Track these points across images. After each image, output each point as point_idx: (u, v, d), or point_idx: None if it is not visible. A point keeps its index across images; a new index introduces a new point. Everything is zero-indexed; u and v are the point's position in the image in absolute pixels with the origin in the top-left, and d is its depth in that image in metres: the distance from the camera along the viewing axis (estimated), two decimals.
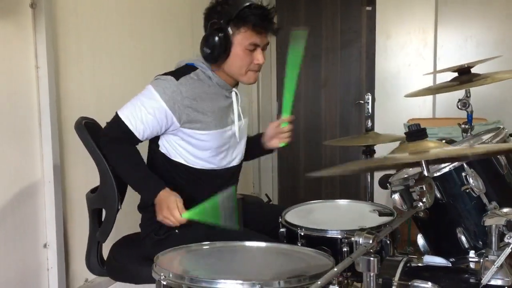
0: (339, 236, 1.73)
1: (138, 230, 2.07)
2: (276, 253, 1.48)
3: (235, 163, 1.94)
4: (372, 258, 1.00)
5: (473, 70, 1.95)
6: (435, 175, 1.52)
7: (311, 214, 1.99)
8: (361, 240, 1.00)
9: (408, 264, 1.50)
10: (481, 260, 1.43)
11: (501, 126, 1.68)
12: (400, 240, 1.94)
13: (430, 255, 1.63)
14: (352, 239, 1.04)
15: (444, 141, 3.58)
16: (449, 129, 3.77)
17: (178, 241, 1.72)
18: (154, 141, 1.87)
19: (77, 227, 2.37)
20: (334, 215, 1.99)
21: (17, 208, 2.12)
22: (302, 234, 1.75)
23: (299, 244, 1.72)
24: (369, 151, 2.43)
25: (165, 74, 1.82)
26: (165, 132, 1.80)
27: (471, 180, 1.46)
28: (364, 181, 4.44)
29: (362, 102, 4.30)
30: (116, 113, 1.78)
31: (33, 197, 2.19)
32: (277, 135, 1.99)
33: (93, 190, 1.97)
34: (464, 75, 1.95)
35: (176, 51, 3.19)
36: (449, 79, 2.07)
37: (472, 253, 1.45)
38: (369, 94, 4.27)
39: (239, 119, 1.90)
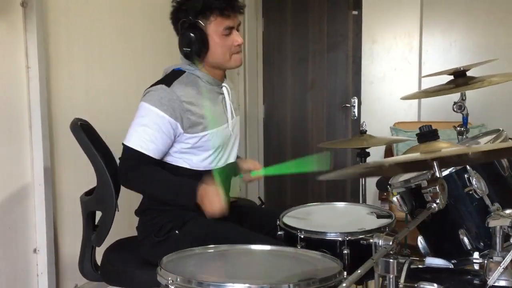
0: (340, 239, 1.72)
1: (130, 234, 2.05)
2: (282, 256, 1.46)
3: (231, 160, 1.94)
4: (392, 260, 0.99)
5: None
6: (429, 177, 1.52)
7: (309, 217, 1.97)
8: (381, 242, 0.99)
9: (411, 266, 1.50)
10: (485, 262, 1.44)
11: (501, 129, 1.70)
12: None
13: (430, 257, 1.64)
14: (371, 240, 1.03)
15: None
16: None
17: (178, 242, 1.71)
18: None
19: (68, 231, 2.32)
20: (332, 218, 1.98)
21: (6, 212, 2.06)
22: (302, 236, 1.74)
23: (299, 247, 1.71)
24: (364, 153, 2.43)
25: (154, 85, 1.79)
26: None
27: (474, 182, 1.47)
28: (350, 184, 4.48)
29: (349, 105, 4.33)
30: (123, 144, 1.73)
31: (23, 200, 2.13)
32: (245, 172, 2.00)
33: (88, 193, 1.92)
34: (460, 78, 1.97)
35: (167, 51, 3.15)
36: (437, 83, 2.08)
37: (476, 255, 1.46)
38: (355, 97, 4.34)
39: (231, 116, 1.91)
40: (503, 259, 1.39)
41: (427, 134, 1.28)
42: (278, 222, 1.86)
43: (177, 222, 1.79)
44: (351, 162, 4.34)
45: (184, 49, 1.76)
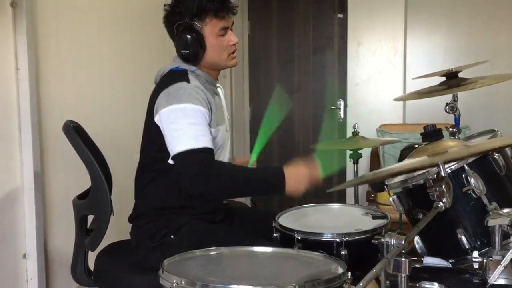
0: (337, 240, 1.73)
1: (121, 238, 2.02)
2: (284, 258, 1.46)
3: (225, 160, 1.94)
4: (403, 259, 0.99)
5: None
6: (435, 177, 1.53)
7: (304, 218, 1.98)
8: (393, 241, 0.99)
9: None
10: (485, 260, 1.46)
11: (496, 129, 1.72)
12: None
13: (427, 256, 1.65)
14: (382, 240, 1.03)
15: (416, 146, 3.69)
16: (419, 134, 3.86)
17: (173, 247, 1.68)
18: (157, 156, 1.78)
19: (58, 236, 2.27)
20: (328, 219, 1.99)
21: None
22: (299, 238, 1.74)
23: (296, 248, 1.70)
24: (356, 155, 2.44)
25: (168, 85, 1.72)
26: None
27: (472, 181, 1.48)
28: (336, 185, 4.48)
29: (335, 107, 4.35)
30: (176, 153, 1.63)
31: (12, 205, 2.09)
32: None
33: (80, 197, 1.89)
34: (452, 80, 1.99)
35: (156, 53, 3.13)
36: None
37: (475, 253, 1.47)
38: (341, 99, 4.36)
39: (227, 116, 1.94)
40: (503, 258, 1.41)
41: (432, 133, 1.28)
42: (273, 223, 1.86)
43: (172, 227, 1.77)
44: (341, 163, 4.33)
45: (182, 51, 1.76)
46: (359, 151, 2.49)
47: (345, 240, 1.71)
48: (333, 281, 1.22)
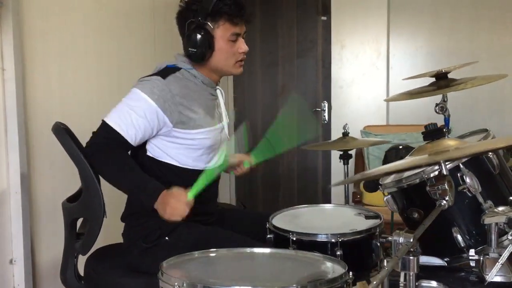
0: (332, 240, 1.73)
1: (111, 242, 1.99)
2: (283, 259, 1.45)
3: (220, 162, 1.92)
4: (412, 257, 0.99)
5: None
6: (431, 175, 1.54)
7: (298, 219, 1.97)
8: (401, 239, 0.99)
9: None
10: (481, 258, 1.47)
11: (488, 129, 1.74)
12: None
13: (422, 255, 1.66)
14: (390, 238, 1.03)
15: (401, 147, 3.72)
16: (403, 136, 3.91)
17: (168, 249, 1.66)
18: (140, 148, 1.79)
19: (46, 240, 2.22)
20: (322, 220, 1.99)
21: None
22: (294, 239, 1.74)
23: (291, 249, 1.70)
24: (346, 155, 2.45)
25: (149, 75, 1.76)
26: (155, 135, 1.73)
27: (467, 180, 1.50)
28: (321, 186, 4.51)
29: (319, 109, 4.36)
30: (103, 120, 1.69)
31: None
32: (236, 167, 2.05)
33: (70, 199, 1.85)
34: (442, 80, 2.01)
35: (143, 53, 3.12)
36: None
37: (472, 252, 1.48)
38: (325, 102, 4.38)
39: (226, 118, 1.91)
40: (499, 255, 1.43)
41: (433, 132, 1.29)
42: (267, 225, 1.85)
43: (167, 228, 1.74)
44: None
45: (190, 49, 1.73)
46: (349, 152, 2.49)
47: (340, 240, 1.71)
48: (335, 281, 1.22)
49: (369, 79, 4.27)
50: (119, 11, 2.88)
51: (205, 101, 1.81)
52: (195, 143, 1.77)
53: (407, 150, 3.48)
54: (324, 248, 1.72)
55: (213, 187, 1.92)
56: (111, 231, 1.89)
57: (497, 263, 1.37)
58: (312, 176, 4.47)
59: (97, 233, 1.72)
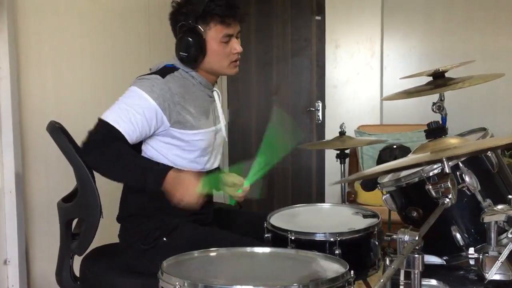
0: (331, 239, 1.72)
1: (104, 242, 1.97)
2: (283, 258, 1.44)
3: (216, 164, 1.91)
4: (417, 256, 0.99)
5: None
6: (430, 174, 1.55)
7: (295, 219, 1.96)
8: (407, 238, 0.99)
9: None
10: (481, 256, 1.48)
11: (486, 128, 1.75)
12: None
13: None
14: (394, 236, 1.03)
15: (395, 146, 3.73)
16: (397, 135, 3.93)
17: (166, 250, 1.64)
18: (136, 147, 1.77)
19: (41, 241, 2.20)
20: (319, 219, 1.98)
21: None
22: (293, 238, 1.73)
23: (293, 248, 1.69)
24: (343, 154, 2.44)
25: (148, 74, 1.75)
26: (152, 135, 1.71)
27: (467, 178, 1.49)
28: (316, 185, 4.51)
29: (313, 109, 4.36)
30: (99, 118, 1.65)
31: None
32: (230, 189, 1.79)
33: (65, 199, 1.83)
34: (439, 79, 2.01)
35: (138, 53, 3.10)
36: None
37: (471, 250, 1.48)
38: (319, 101, 4.38)
39: (223, 120, 1.88)
40: (499, 254, 1.43)
41: (435, 130, 1.29)
42: (265, 224, 1.84)
43: (165, 228, 1.73)
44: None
45: (181, 53, 1.71)
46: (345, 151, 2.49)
47: (338, 239, 1.71)
48: (337, 280, 1.21)
49: (363, 78, 4.28)
50: (114, 11, 2.87)
51: (202, 102, 1.79)
52: (191, 144, 1.75)
53: (401, 149, 3.49)
54: (322, 247, 1.71)
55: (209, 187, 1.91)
56: (106, 231, 1.87)
57: (497, 261, 1.37)
58: (306, 175, 4.47)
59: (93, 234, 1.70)
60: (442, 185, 1.13)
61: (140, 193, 1.74)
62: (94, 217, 1.70)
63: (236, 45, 1.76)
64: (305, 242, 1.72)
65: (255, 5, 4.43)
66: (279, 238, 1.76)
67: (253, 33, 4.45)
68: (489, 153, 1.57)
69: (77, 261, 1.86)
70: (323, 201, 4.28)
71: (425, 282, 1.43)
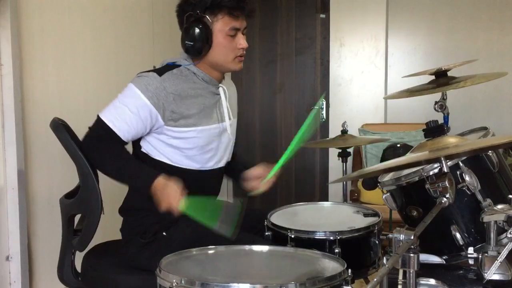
0: (331, 238, 1.73)
1: (108, 238, 1.98)
2: (281, 256, 1.44)
3: (222, 164, 1.89)
4: (412, 255, 0.98)
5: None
6: (430, 173, 1.54)
7: (296, 217, 1.97)
8: (402, 237, 0.99)
9: None
10: (480, 256, 1.47)
11: (487, 127, 1.74)
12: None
13: (421, 253, 1.66)
14: (390, 235, 1.03)
15: (399, 145, 3.72)
16: (401, 134, 3.91)
17: (166, 245, 1.66)
18: (135, 142, 1.79)
19: (43, 237, 2.21)
20: (320, 217, 1.98)
21: None
22: (293, 236, 1.73)
23: (292, 246, 1.69)
24: (345, 153, 2.44)
25: (148, 71, 1.75)
26: (149, 132, 1.72)
27: (467, 178, 1.49)
28: (319, 184, 4.50)
29: (317, 107, 4.35)
30: (98, 116, 1.69)
31: None
32: (257, 181, 1.87)
33: (68, 196, 1.84)
34: (441, 78, 2.00)
35: (141, 50, 3.10)
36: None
37: (471, 250, 1.48)
38: (323, 100, 4.37)
39: (229, 117, 1.85)
40: (498, 253, 1.43)
41: (434, 129, 1.28)
42: (265, 222, 1.84)
43: (164, 223, 1.74)
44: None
45: (186, 42, 1.70)
46: (347, 150, 2.48)
47: (338, 238, 1.71)
48: (334, 278, 1.22)
49: (367, 77, 4.27)
50: (117, 7, 2.87)
51: (203, 100, 1.78)
52: (186, 141, 1.75)
53: (405, 148, 3.48)
54: (322, 245, 1.72)
55: (217, 181, 1.92)
56: (109, 228, 1.89)
57: (496, 261, 1.36)
58: (310, 174, 4.47)
59: (94, 230, 1.71)
60: (440, 184, 1.13)
61: None
62: (94, 213, 1.71)
63: (242, 40, 1.76)
64: (305, 241, 1.73)
65: (260, 2, 4.43)
66: (279, 236, 1.77)
67: (257, 30, 4.45)
68: (490, 153, 1.56)
69: (80, 257, 1.87)
70: (326, 199, 4.28)
71: (424, 281, 1.42)
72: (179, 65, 1.78)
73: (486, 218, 1.44)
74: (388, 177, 1.77)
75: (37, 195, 2.19)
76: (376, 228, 1.80)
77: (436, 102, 2.06)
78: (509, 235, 1.36)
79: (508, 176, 1.65)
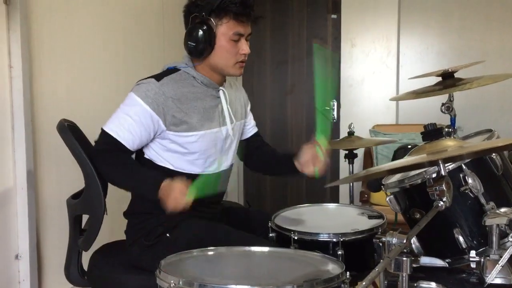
0: (334, 240, 1.72)
1: (116, 238, 2.00)
2: (281, 258, 1.45)
3: (224, 167, 1.90)
4: (404, 259, 0.98)
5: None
6: (433, 176, 1.53)
7: (300, 218, 1.97)
8: (394, 240, 0.99)
9: None
10: (482, 260, 1.46)
11: (492, 129, 1.72)
12: None
13: (424, 256, 1.65)
14: (384, 239, 1.03)
15: (409, 146, 3.70)
16: (412, 135, 3.88)
17: (169, 246, 1.67)
18: (138, 150, 1.80)
19: (51, 236, 2.24)
20: (324, 219, 1.98)
21: None
22: (296, 238, 1.73)
23: (293, 248, 1.69)
24: (351, 155, 2.43)
25: (146, 78, 1.77)
26: (153, 138, 1.75)
27: (470, 181, 1.48)
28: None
29: (328, 108, 4.34)
30: (102, 129, 1.71)
31: (4, 205, 2.06)
32: (313, 161, 1.82)
33: (75, 196, 1.87)
34: (448, 80, 1.99)
35: (150, 51, 3.13)
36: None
37: (473, 253, 1.47)
38: (334, 100, 4.36)
39: (231, 120, 1.85)
40: (500, 257, 1.41)
41: (432, 132, 1.28)
42: (270, 223, 1.85)
43: (168, 225, 1.75)
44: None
45: (189, 43, 1.72)
46: (354, 151, 2.47)
47: (341, 240, 1.71)
48: (332, 281, 1.22)
49: (379, 77, 4.24)
50: (127, 9, 2.90)
51: (203, 103, 1.78)
52: (188, 147, 1.76)
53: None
54: (325, 247, 1.71)
55: (222, 181, 1.92)
56: (117, 228, 1.91)
57: (497, 265, 1.35)
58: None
59: (97, 230, 1.73)
60: (437, 188, 1.13)
61: None
62: (98, 214, 1.73)
63: (244, 46, 1.76)
64: (308, 242, 1.72)
65: (271, 3, 4.44)
66: (283, 238, 1.77)
67: (268, 32, 4.46)
68: (493, 155, 1.55)
69: (87, 257, 1.90)
70: (336, 201, 4.27)
71: (425, 285, 1.42)
72: (178, 69, 1.79)
73: (488, 221, 1.43)
74: (392, 179, 1.76)
75: (46, 195, 2.23)
76: (380, 230, 1.79)
77: (443, 104, 2.04)
78: (511, 239, 1.34)
79: None
